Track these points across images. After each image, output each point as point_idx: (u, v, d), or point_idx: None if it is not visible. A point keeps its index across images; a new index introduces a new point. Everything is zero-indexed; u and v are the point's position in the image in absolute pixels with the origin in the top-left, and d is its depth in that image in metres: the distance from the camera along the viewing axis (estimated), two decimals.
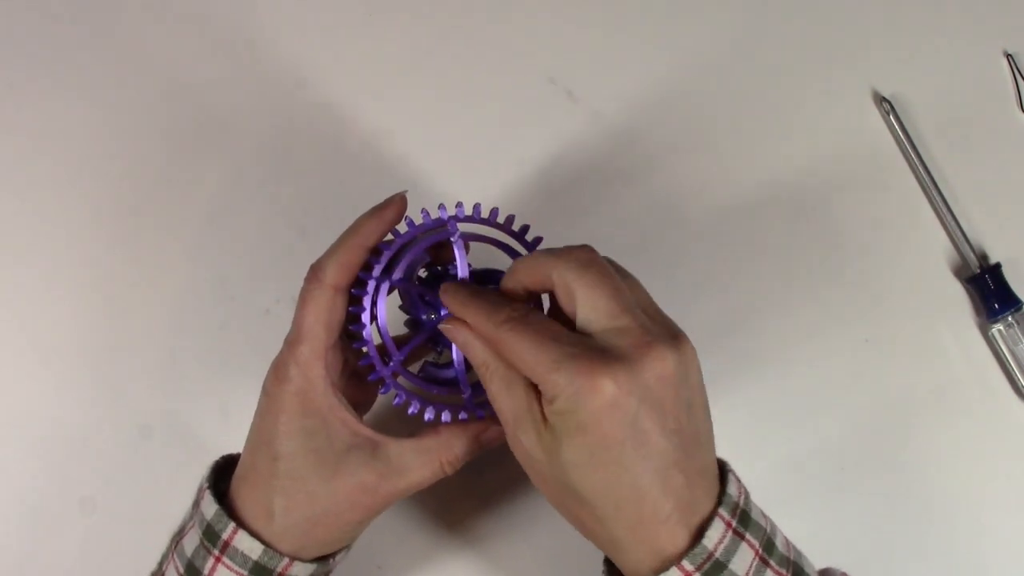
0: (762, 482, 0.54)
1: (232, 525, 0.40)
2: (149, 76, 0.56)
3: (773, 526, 0.39)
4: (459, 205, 0.42)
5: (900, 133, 0.55)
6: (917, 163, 0.55)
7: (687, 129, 0.56)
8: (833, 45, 0.57)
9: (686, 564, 0.34)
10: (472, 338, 0.38)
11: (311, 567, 0.41)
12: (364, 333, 0.41)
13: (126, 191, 0.55)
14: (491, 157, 0.56)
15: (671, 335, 0.37)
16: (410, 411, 0.41)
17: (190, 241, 0.55)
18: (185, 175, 0.55)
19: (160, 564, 0.43)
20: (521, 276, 0.39)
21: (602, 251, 0.55)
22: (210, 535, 0.40)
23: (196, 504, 0.42)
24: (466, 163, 0.56)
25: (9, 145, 0.55)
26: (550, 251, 0.38)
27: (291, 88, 0.56)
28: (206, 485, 0.42)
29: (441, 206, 0.42)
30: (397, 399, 0.41)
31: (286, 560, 0.40)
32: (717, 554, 0.35)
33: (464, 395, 0.41)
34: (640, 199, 0.56)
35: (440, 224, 0.42)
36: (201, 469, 0.44)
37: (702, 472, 0.37)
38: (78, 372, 0.53)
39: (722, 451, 0.54)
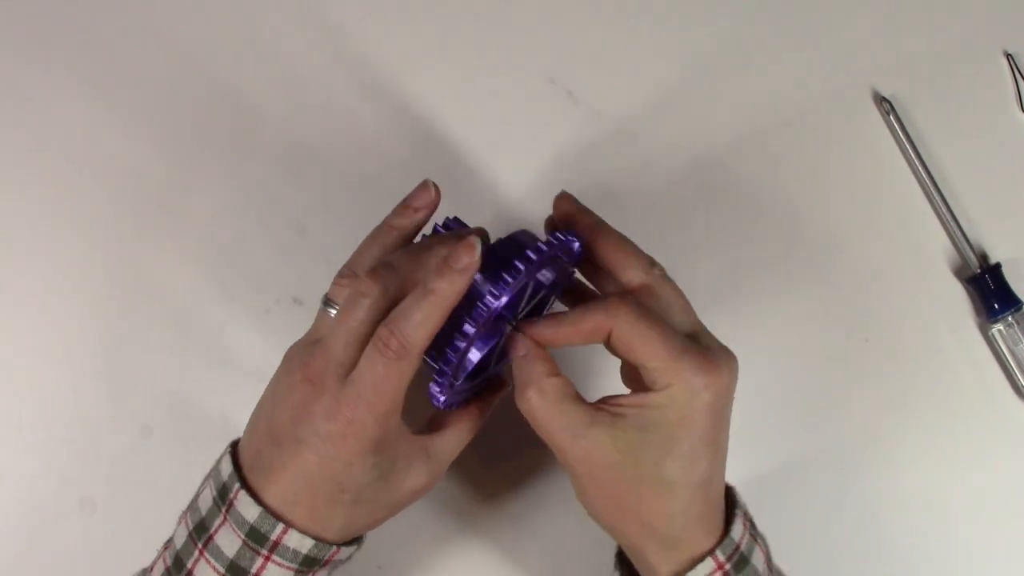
0: (762, 482, 0.54)
1: (281, 526, 0.40)
2: (149, 76, 0.56)
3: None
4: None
5: (900, 133, 0.55)
6: (917, 163, 0.55)
7: (687, 129, 0.56)
8: (833, 45, 0.57)
9: (719, 555, 0.40)
10: (534, 354, 0.41)
11: (352, 549, 0.43)
12: (461, 366, 0.41)
13: (126, 191, 0.55)
14: (491, 157, 0.56)
15: (726, 350, 0.42)
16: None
17: (190, 241, 0.55)
18: (185, 175, 0.55)
19: (178, 559, 0.42)
20: (580, 331, 0.41)
21: None
22: (256, 537, 0.40)
23: (226, 503, 0.41)
24: (466, 163, 0.56)
25: (10, 145, 0.55)
26: (602, 306, 0.40)
27: (291, 88, 0.56)
28: (236, 485, 0.41)
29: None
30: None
31: (334, 548, 0.41)
32: (742, 547, 0.41)
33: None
34: (640, 199, 0.56)
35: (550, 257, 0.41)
36: (201, 469, 0.44)
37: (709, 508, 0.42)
38: (78, 372, 0.53)
39: None
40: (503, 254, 0.40)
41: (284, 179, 0.55)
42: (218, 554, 0.40)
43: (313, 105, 0.56)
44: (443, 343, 0.40)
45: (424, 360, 0.40)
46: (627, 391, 0.43)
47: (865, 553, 0.53)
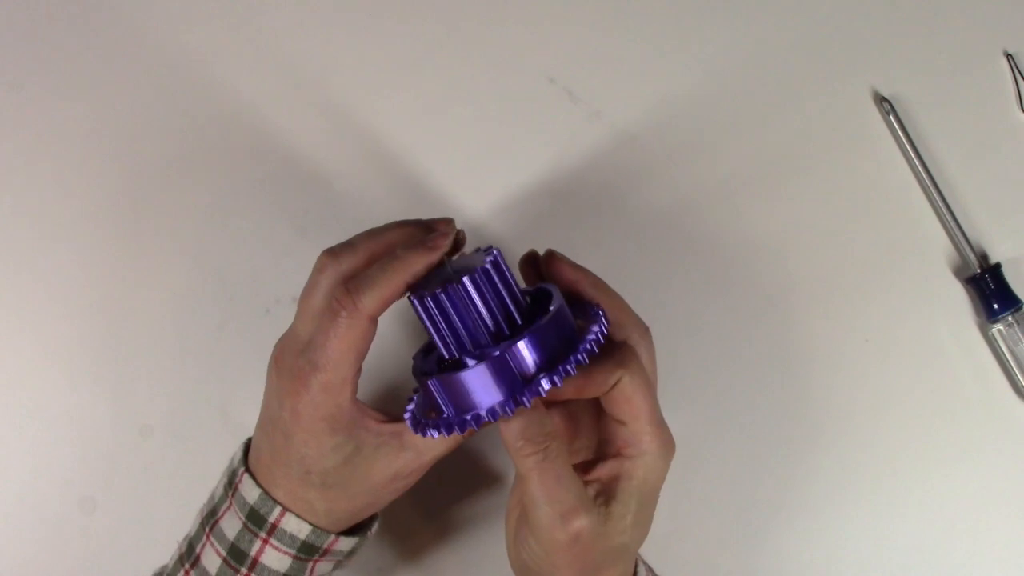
0: (762, 482, 0.54)
1: (279, 508, 0.41)
2: (149, 76, 0.56)
3: None
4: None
5: (900, 133, 0.55)
6: (917, 163, 0.55)
7: (687, 129, 0.56)
8: (833, 45, 0.57)
9: None
10: (533, 432, 0.38)
11: (353, 540, 0.43)
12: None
13: (126, 191, 0.55)
14: (491, 157, 0.56)
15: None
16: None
17: (190, 241, 0.55)
18: (185, 175, 0.55)
19: (190, 545, 0.43)
20: (592, 380, 0.39)
21: (601, 250, 0.55)
22: (255, 519, 0.41)
23: (232, 487, 0.42)
24: (466, 163, 0.56)
25: (10, 145, 0.55)
26: (615, 357, 0.39)
27: (291, 88, 0.56)
28: (242, 468, 0.42)
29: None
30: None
31: (332, 536, 0.41)
32: None
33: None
34: (640, 199, 0.56)
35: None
36: (200, 469, 0.45)
37: None
38: (78, 372, 0.53)
39: (722, 453, 0.54)
40: (554, 330, 0.38)
41: (284, 179, 0.55)
42: (221, 537, 0.42)
43: (313, 105, 0.56)
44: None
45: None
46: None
47: (865, 553, 0.53)
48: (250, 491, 0.41)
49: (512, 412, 0.36)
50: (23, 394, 0.53)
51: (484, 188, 0.55)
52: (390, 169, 0.55)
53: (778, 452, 0.54)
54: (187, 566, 0.43)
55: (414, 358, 0.41)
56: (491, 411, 0.36)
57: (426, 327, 0.38)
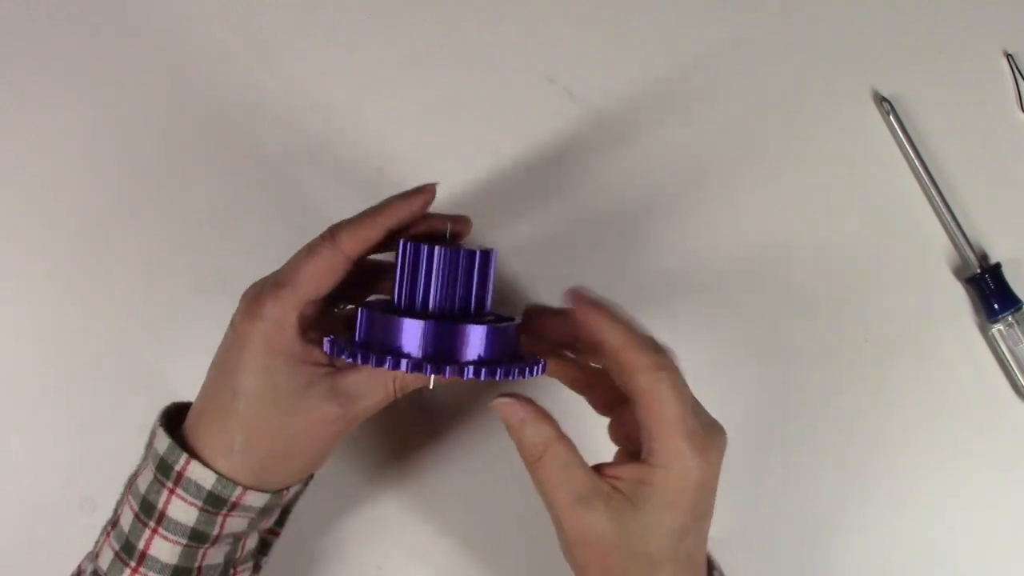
0: (761, 482, 0.54)
1: (185, 456, 0.40)
2: (149, 76, 0.56)
3: None
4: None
5: (900, 133, 0.55)
6: (917, 163, 0.55)
7: (687, 129, 0.56)
8: (833, 45, 0.57)
9: None
10: (534, 418, 0.40)
11: (265, 496, 0.41)
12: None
13: (126, 190, 0.55)
14: (491, 157, 0.56)
15: (717, 428, 0.42)
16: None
17: (190, 241, 0.55)
18: (185, 175, 0.55)
19: (115, 510, 0.43)
20: (628, 355, 0.40)
21: (601, 250, 0.55)
22: (163, 468, 0.40)
23: (149, 444, 0.42)
24: (466, 163, 0.56)
25: (9, 144, 0.55)
26: (647, 351, 0.39)
27: (291, 88, 0.56)
28: (158, 423, 0.42)
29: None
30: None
31: (239, 489, 0.40)
32: None
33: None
34: (639, 199, 0.56)
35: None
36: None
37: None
38: (78, 372, 0.53)
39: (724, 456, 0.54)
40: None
41: (285, 179, 0.55)
42: (136, 492, 0.41)
43: (314, 105, 0.56)
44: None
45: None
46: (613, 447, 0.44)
47: (865, 553, 0.53)
48: (161, 442, 0.41)
49: (430, 372, 0.38)
50: (23, 394, 0.53)
51: (484, 188, 0.55)
52: (390, 169, 0.55)
53: (777, 452, 0.54)
54: (108, 527, 0.43)
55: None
56: (411, 361, 0.38)
57: (395, 269, 0.41)
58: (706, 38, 0.57)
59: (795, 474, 0.54)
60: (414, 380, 0.41)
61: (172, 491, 0.40)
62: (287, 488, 0.43)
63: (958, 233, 0.55)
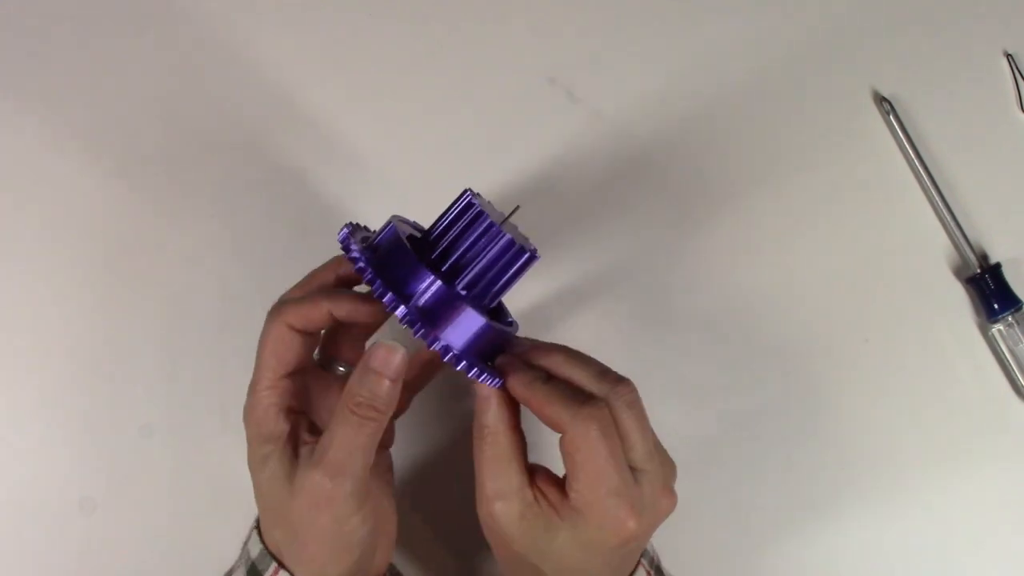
0: (761, 482, 0.54)
1: (274, 565, 0.40)
2: (148, 76, 0.56)
3: None
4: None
5: (900, 133, 0.55)
6: (917, 163, 0.55)
7: (687, 129, 0.56)
8: (833, 45, 0.57)
9: None
10: (499, 400, 0.39)
11: None
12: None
13: (125, 191, 0.55)
14: (491, 157, 0.56)
15: (673, 472, 0.40)
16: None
17: (190, 241, 0.55)
18: (185, 175, 0.55)
19: None
20: (546, 364, 0.40)
21: (601, 250, 0.55)
22: (254, 573, 0.40)
23: (245, 543, 0.42)
24: (466, 163, 0.56)
25: (10, 145, 0.55)
26: (594, 370, 0.39)
27: (291, 88, 0.56)
28: (255, 524, 0.42)
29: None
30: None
31: None
32: None
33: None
34: (640, 198, 0.56)
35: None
36: (200, 469, 0.45)
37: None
38: (78, 372, 0.53)
39: (721, 453, 0.54)
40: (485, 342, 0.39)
41: (285, 179, 0.55)
42: None
43: (314, 106, 0.56)
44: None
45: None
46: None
47: (865, 553, 0.53)
48: (254, 545, 0.41)
49: (419, 331, 0.36)
50: (23, 394, 0.53)
51: (484, 188, 0.55)
52: (390, 169, 0.55)
53: (777, 451, 0.54)
54: None
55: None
56: (409, 309, 0.36)
57: (445, 216, 0.39)
58: (706, 38, 0.57)
59: (795, 474, 0.54)
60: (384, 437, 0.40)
61: None
62: None
63: (958, 233, 0.55)
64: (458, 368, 0.38)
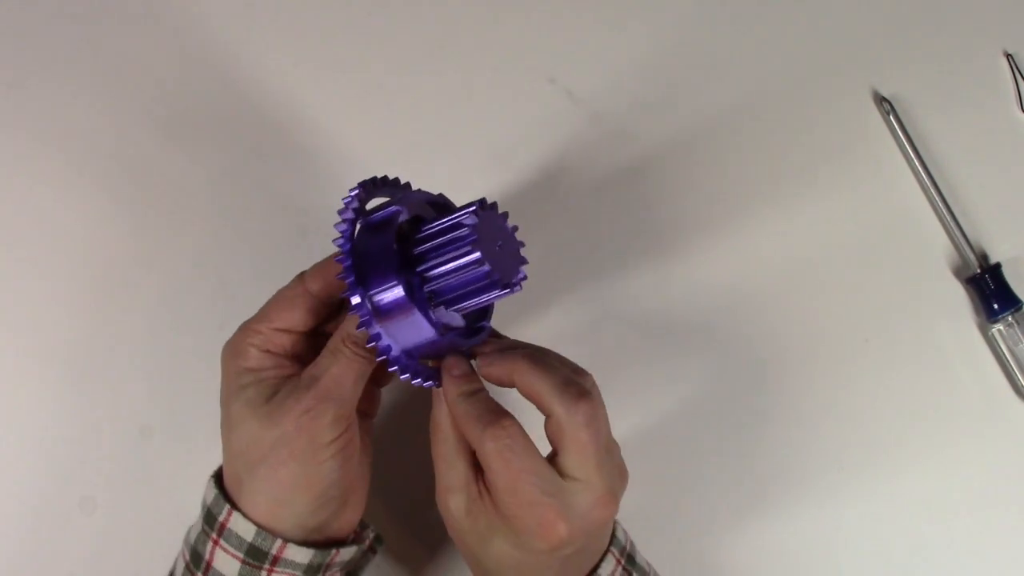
0: (761, 482, 0.54)
1: (227, 507, 0.40)
2: (148, 77, 0.56)
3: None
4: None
5: (900, 133, 0.55)
6: (917, 163, 0.55)
7: (687, 129, 0.56)
8: (833, 45, 0.57)
9: None
10: (444, 401, 0.40)
11: (308, 552, 0.41)
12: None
13: (125, 190, 0.55)
14: (491, 157, 0.56)
15: (621, 476, 0.41)
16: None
17: (190, 241, 0.55)
18: (185, 175, 0.55)
19: (174, 562, 0.44)
20: (508, 376, 0.40)
21: (600, 250, 0.55)
22: (209, 519, 0.41)
23: (204, 494, 0.43)
24: (466, 163, 0.56)
25: (8, 145, 0.55)
26: (550, 382, 0.39)
27: (291, 89, 0.56)
28: (212, 474, 0.43)
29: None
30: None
31: (279, 542, 0.40)
32: None
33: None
34: (640, 198, 0.56)
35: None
36: (201, 469, 0.44)
37: (596, 553, 0.42)
38: (78, 372, 0.53)
39: (721, 452, 0.54)
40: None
41: (285, 179, 0.55)
42: (187, 542, 0.42)
43: (314, 106, 0.56)
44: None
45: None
46: None
47: (865, 553, 0.53)
48: (209, 493, 0.42)
49: (364, 323, 0.37)
50: (23, 394, 0.53)
51: (484, 188, 0.55)
52: (390, 169, 0.55)
53: (777, 451, 0.54)
54: None
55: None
56: (364, 302, 0.37)
57: (446, 218, 0.39)
58: (706, 39, 0.57)
59: (795, 474, 0.54)
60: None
61: (216, 542, 0.41)
62: (335, 549, 0.42)
63: (958, 233, 0.55)
64: (390, 370, 0.39)
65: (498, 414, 0.39)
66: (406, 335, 0.39)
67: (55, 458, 0.53)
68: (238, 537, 0.40)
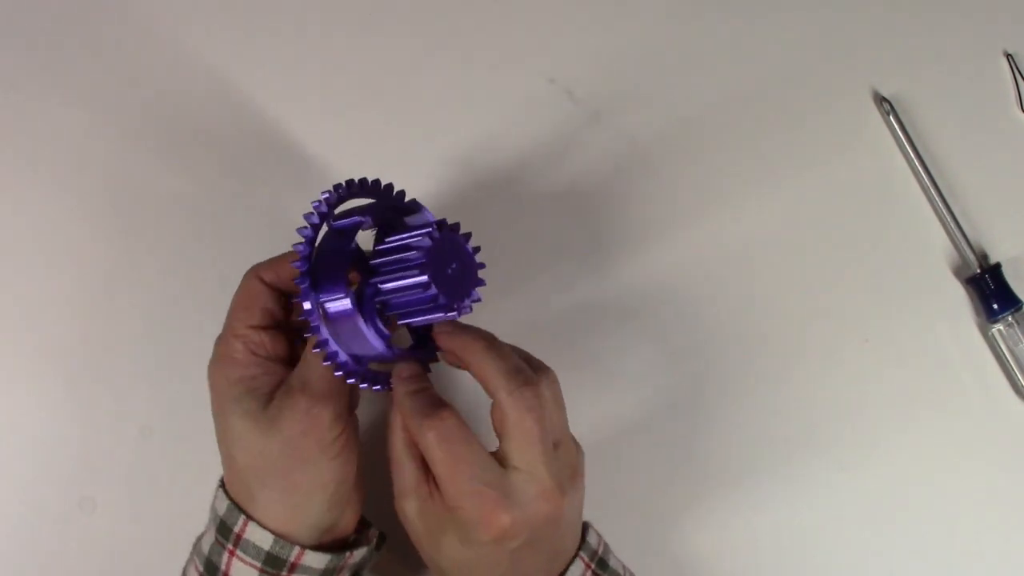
0: (760, 481, 0.54)
1: (243, 518, 0.40)
2: (146, 79, 0.56)
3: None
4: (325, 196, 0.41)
5: (900, 133, 0.55)
6: (917, 163, 0.55)
7: (687, 129, 0.56)
8: (833, 45, 0.57)
9: None
10: (394, 400, 0.41)
11: (325, 558, 0.41)
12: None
13: (125, 191, 0.55)
14: (491, 157, 0.56)
15: (572, 474, 0.40)
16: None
17: (190, 241, 0.55)
18: (185, 175, 0.55)
19: (183, 572, 0.44)
20: (459, 352, 0.40)
21: (600, 250, 0.55)
22: (223, 530, 0.41)
23: (212, 503, 0.43)
24: (466, 163, 0.56)
25: (9, 145, 0.55)
26: (499, 366, 0.39)
27: (292, 88, 0.56)
28: (219, 483, 0.43)
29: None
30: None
31: (298, 549, 0.40)
32: None
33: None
34: (639, 198, 0.56)
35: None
36: (200, 469, 0.44)
37: (561, 557, 0.41)
38: (78, 372, 0.53)
39: (720, 452, 0.54)
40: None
41: (285, 180, 0.55)
42: (200, 553, 0.42)
43: (314, 106, 0.56)
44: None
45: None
46: None
47: (865, 553, 0.53)
48: (220, 502, 0.42)
49: (314, 329, 0.38)
50: (23, 394, 0.53)
51: (484, 188, 0.55)
52: (390, 169, 0.55)
53: (777, 451, 0.54)
54: None
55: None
56: (314, 309, 0.38)
57: (404, 236, 0.40)
58: (706, 38, 0.57)
59: (794, 473, 0.54)
60: None
61: (232, 553, 0.41)
62: (350, 551, 0.43)
63: (958, 233, 0.55)
64: (336, 374, 0.39)
65: (438, 406, 0.39)
66: (353, 343, 0.39)
67: (55, 458, 0.53)
68: (255, 547, 0.40)
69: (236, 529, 0.40)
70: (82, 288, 0.54)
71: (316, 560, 0.41)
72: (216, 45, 0.56)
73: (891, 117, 0.55)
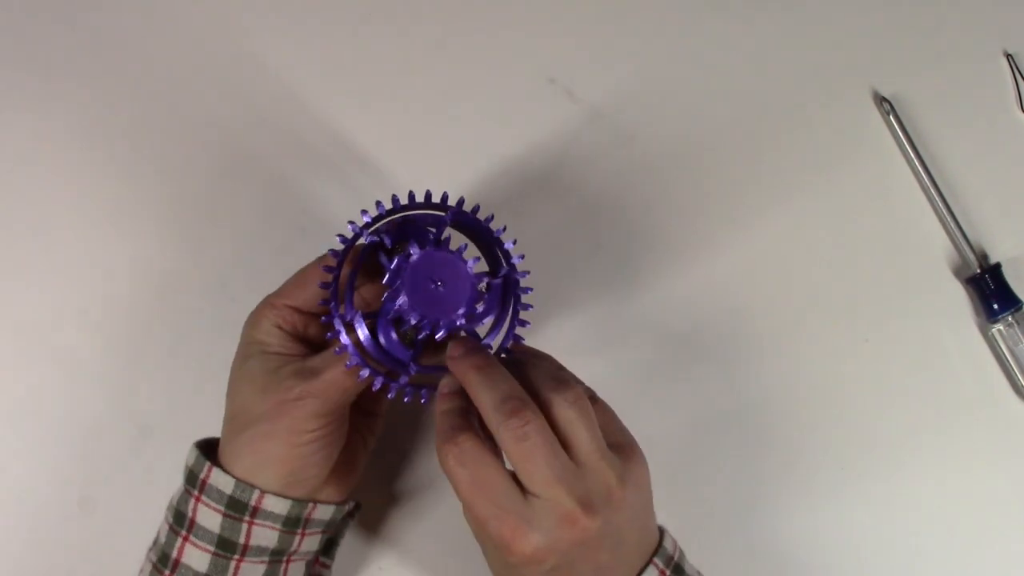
0: (760, 482, 0.54)
1: (207, 464, 0.42)
2: (148, 80, 0.56)
3: None
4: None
5: (900, 133, 0.55)
6: (917, 163, 0.55)
7: (687, 129, 0.56)
8: (833, 45, 0.57)
9: None
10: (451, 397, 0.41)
11: (286, 503, 0.42)
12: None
13: (125, 191, 0.55)
14: (491, 157, 0.56)
15: (605, 490, 0.38)
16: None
17: (190, 241, 0.55)
18: (184, 176, 0.55)
19: (157, 532, 0.45)
20: (461, 381, 0.40)
21: (601, 250, 0.55)
22: (191, 479, 0.43)
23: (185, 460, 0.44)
24: (466, 163, 0.56)
25: (11, 145, 0.55)
26: (486, 398, 0.38)
27: (291, 90, 0.56)
28: (193, 444, 0.44)
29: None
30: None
31: (257, 492, 0.41)
32: None
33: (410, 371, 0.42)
34: (640, 198, 0.56)
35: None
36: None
37: (623, 567, 0.41)
38: (78, 372, 0.53)
39: (720, 451, 0.54)
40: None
41: (285, 180, 0.55)
42: (170, 506, 0.43)
43: (314, 107, 0.56)
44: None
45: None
46: None
47: (865, 553, 0.53)
48: (191, 456, 0.44)
49: (336, 332, 0.41)
50: (23, 394, 0.53)
51: (484, 188, 0.55)
52: (390, 169, 0.55)
53: (777, 452, 0.54)
54: (151, 546, 0.45)
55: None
56: (340, 310, 0.41)
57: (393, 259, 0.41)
58: (706, 39, 0.57)
59: (795, 474, 0.54)
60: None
61: (198, 498, 0.42)
62: (311, 504, 0.43)
63: (958, 233, 0.55)
64: (357, 376, 0.41)
65: (458, 429, 0.39)
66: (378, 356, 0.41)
67: (55, 458, 0.53)
68: (218, 491, 0.41)
69: (201, 476, 0.42)
70: (82, 288, 0.54)
71: (277, 505, 0.42)
72: (222, 37, 0.56)
73: (891, 117, 0.55)
